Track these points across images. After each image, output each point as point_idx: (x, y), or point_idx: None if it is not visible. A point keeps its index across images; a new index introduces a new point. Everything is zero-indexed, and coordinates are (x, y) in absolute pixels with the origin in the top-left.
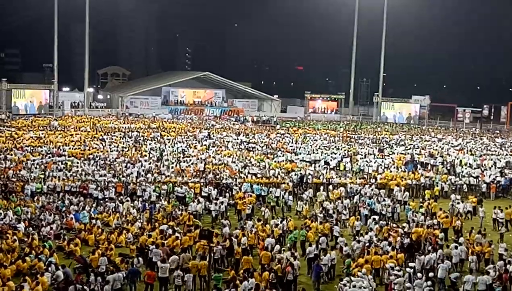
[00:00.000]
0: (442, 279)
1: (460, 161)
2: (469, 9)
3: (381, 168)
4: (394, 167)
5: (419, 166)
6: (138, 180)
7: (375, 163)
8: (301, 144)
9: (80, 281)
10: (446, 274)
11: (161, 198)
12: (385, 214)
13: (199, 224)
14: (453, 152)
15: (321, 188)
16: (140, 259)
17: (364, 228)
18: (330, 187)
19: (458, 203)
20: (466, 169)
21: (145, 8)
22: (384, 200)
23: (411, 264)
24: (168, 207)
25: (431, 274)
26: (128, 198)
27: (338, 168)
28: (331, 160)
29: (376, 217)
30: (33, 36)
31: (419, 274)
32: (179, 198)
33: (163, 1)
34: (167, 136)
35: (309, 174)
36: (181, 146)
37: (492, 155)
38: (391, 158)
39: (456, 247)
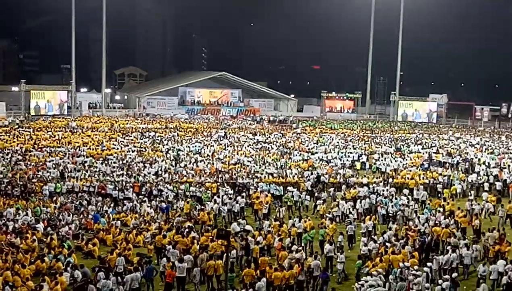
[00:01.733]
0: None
1: (479, 159)
2: (486, 7)
3: (398, 167)
4: (412, 166)
5: (432, 166)
6: (155, 180)
7: (393, 162)
8: (318, 143)
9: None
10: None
11: (178, 197)
12: (396, 214)
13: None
14: (471, 151)
15: (338, 187)
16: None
17: (383, 228)
18: (344, 186)
19: (478, 204)
20: (484, 167)
21: (161, 9)
22: (401, 200)
23: (428, 264)
24: (186, 206)
25: (452, 275)
26: (146, 198)
27: (355, 167)
28: (347, 159)
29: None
30: (51, 37)
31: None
32: (196, 198)
33: (179, 1)
34: (184, 136)
35: (326, 173)
36: (198, 146)
37: (510, 153)
38: (409, 157)
39: (467, 247)
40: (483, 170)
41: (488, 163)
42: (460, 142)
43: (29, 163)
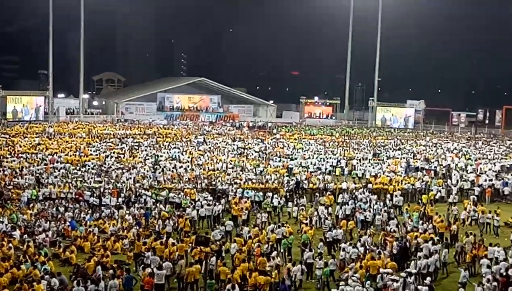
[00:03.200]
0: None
1: (456, 165)
2: (463, 14)
3: (376, 172)
4: (390, 171)
5: (413, 171)
6: (134, 186)
7: (371, 167)
8: (297, 149)
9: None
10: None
11: (157, 204)
12: (373, 220)
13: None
14: (449, 156)
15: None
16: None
17: (360, 233)
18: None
19: (457, 209)
20: (461, 173)
21: (140, 14)
22: (376, 205)
23: (407, 270)
24: (164, 213)
25: (428, 279)
26: (124, 205)
27: (333, 173)
28: (326, 165)
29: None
30: (28, 43)
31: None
32: (175, 204)
33: (158, 7)
34: (163, 142)
35: (305, 179)
36: (177, 152)
37: (487, 158)
38: (387, 162)
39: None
40: (461, 175)
41: (465, 168)
42: (438, 148)
43: (5, 169)
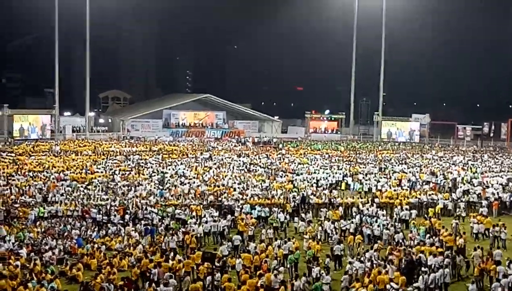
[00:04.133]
0: None
1: (462, 178)
2: (468, 27)
3: (382, 187)
4: (396, 186)
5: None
6: (140, 203)
7: (377, 181)
8: (302, 164)
9: None
10: None
11: (163, 220)
12: (382, 234)
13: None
14: (455, 170)
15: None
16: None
17: (367, 248)
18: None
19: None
20: (467, 186)
21: (145, 32)
22: (386, 220)
23: (415, 284)
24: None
25: None
26: (130, 222)
27: (339, 187)
28: (332, 179)
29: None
30: (34, 61)
31: None
32: (181, 221)
33: (163, 24)
34: (169, 158)
35: (311, 193)
36: (182, 168)
37: (493, 171)
38: (394, 176)
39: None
40: (468, 189)
41: (471, 182)
42: (443, 162)
43: (11, 187)
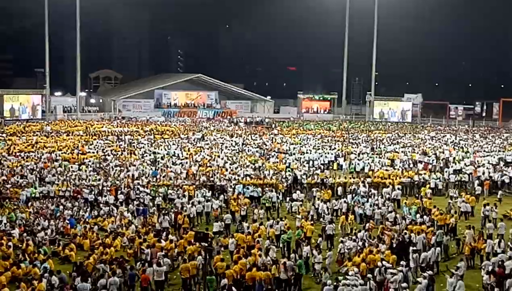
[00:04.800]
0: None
1: (454, 158)
2: (460, 7)
3: (375, 166)
4: (388, 165)
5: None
6: (132, 184)
7: (370, 161)
8: (294, 144)
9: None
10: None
11: (154, 201)
12: (373, 214)
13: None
14: (446, 149)
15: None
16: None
17: (359, 227)
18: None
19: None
20: (459, 165)
21: (136, 12)
22: (375, 198)
23: (404, 262)
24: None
25: (429, 272)
26: (123, 202)
27: (331, 167)
28: (324, 159)
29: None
30: (25, 41)
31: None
32: (173, 201)
33: (154, 4)
34: (160, 139)
35: (303, 174)
36: (174, 148)
37: (485, 151)
38: (386, 156)
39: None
40: (460, 168)
41: (463, 161)
42: (435, 141)
43: (3, 168)
